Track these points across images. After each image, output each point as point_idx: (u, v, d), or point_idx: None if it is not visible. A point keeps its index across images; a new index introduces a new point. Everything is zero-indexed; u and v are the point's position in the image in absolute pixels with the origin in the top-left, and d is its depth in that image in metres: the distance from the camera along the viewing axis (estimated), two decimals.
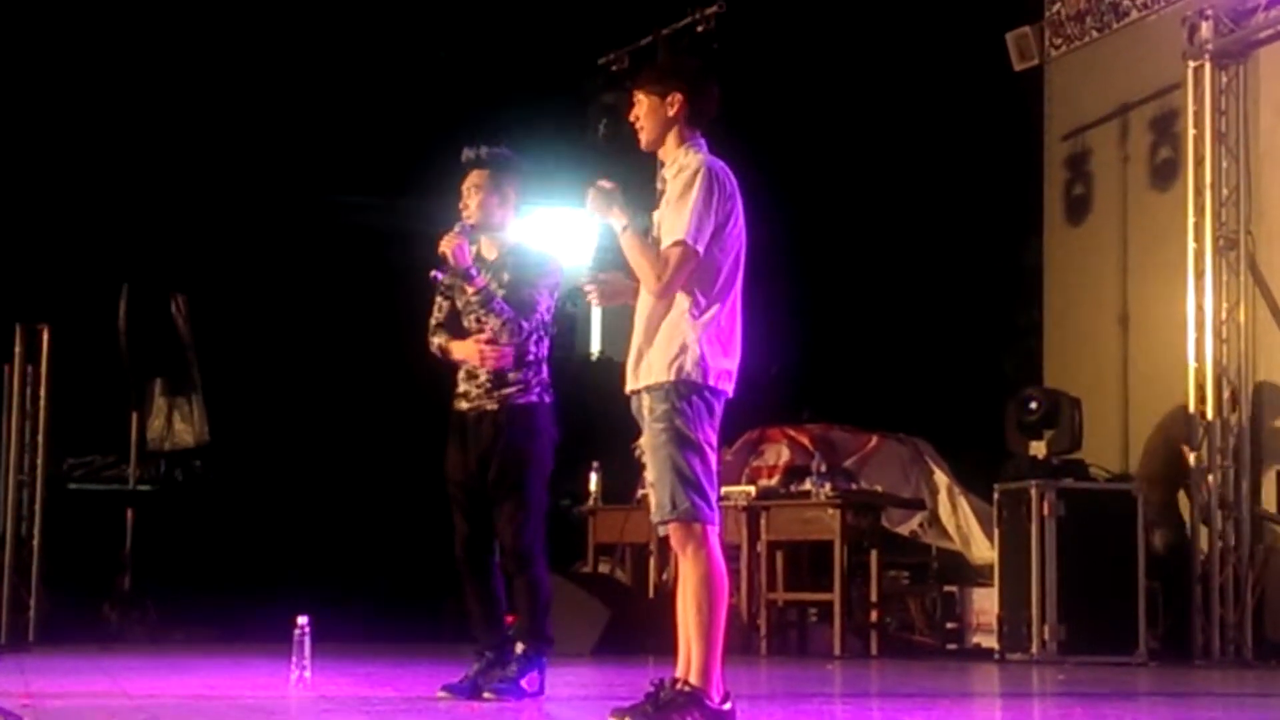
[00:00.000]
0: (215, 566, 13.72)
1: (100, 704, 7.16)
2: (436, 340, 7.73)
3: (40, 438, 12.48)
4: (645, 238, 6.04)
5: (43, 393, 12.43)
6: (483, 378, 7.58)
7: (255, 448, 14.67)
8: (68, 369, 12.72)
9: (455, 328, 7.69)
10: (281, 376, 14.93)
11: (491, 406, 7.56)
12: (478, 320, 7.59)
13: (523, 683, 7.40)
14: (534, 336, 7.59)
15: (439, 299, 7.79)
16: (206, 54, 14.89)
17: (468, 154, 7.68)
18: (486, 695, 7.26)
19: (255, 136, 15.04)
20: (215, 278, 14.57)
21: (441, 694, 7.43)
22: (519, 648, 7.44)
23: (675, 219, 5.95)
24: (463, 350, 7.62)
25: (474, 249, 7.62)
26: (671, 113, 6.11)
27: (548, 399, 7.61)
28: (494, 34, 15.32)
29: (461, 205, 7.67)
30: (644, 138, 6.18)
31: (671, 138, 6.13)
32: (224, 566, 13.74)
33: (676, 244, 5.91)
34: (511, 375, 7.56)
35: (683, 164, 6.07)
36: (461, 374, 7.68)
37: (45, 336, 12.44)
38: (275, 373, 14.90)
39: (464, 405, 7.65)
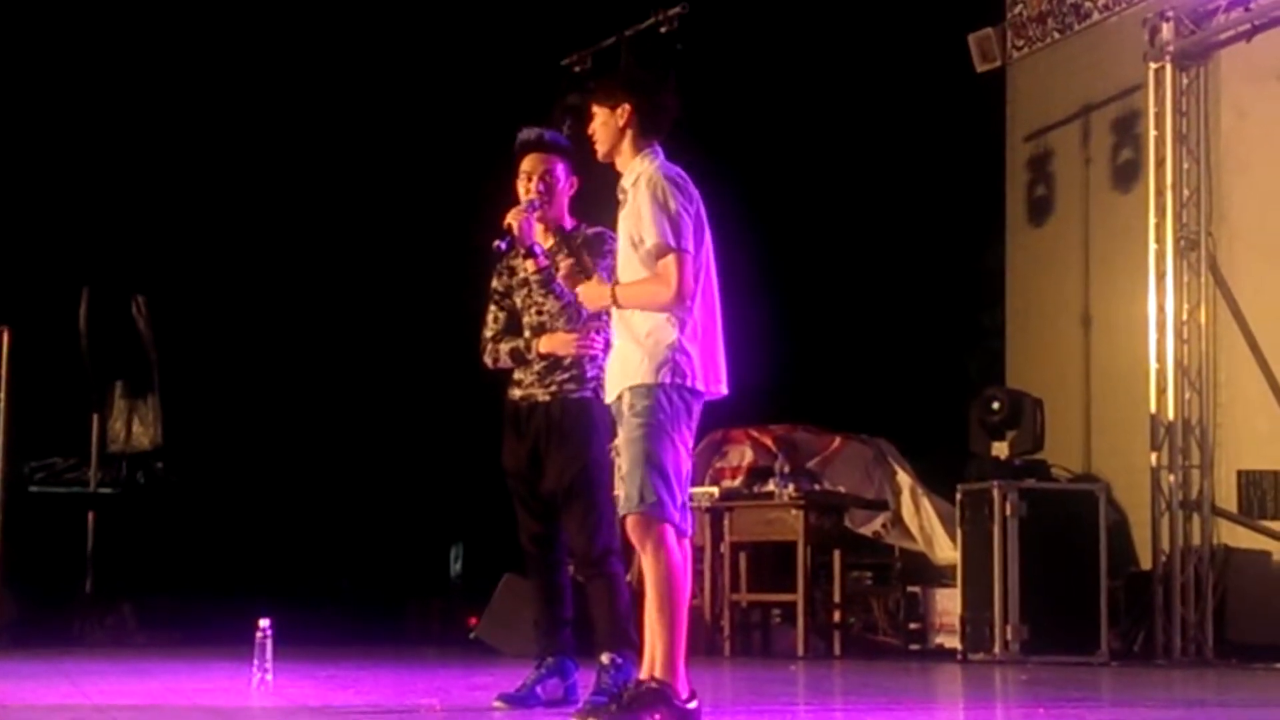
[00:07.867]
0: (177, 569, 13.67)
1: (61, 707, 7.12)
2: (503, 347, 7.25)
3: (1, 440, 12.42)
4: (618, 280, 6.17)
5: (3, 395, 12.36)
6: (537, 365, 7.17)
7: (218, 450, 14.61)
8: (29, 371, 12.66)
9: (516, 332, 7.27)
10: (245, 378, 14.88)
11: (543, 397, 7.16)
12: (534, 302, 7.17)
13: (538, 689, 7.12)
14: (591, 324, 7.08)
15: (493, 309, 7.35)
16: (165, 56, 14.84)
17: (525, 136, 7.23)
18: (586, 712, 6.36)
19: (214, 139, 14.99)
20: (176, 280, 14.51)
21: (498, 703, 7.01)
22: (605, 658, 6.91)
23: (652, 228, 5.97)
24: (552, 343, 7.14)
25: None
26: (620, 124, 6.16)
27: (602, 393, 6.67)
28: (455, 35, 15.29)
29: (523, 189, 7.17)
30: (599, 149, 6.27)
31: (627, 149, 6.18)
32: (186, 569, 13.69)
33: (666, 252, 5.95)
34: (565, 363, 7.14)
35: (639, 172, 6.12)
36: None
37: (5, 338, 12.38)
38: (238, 374, 14.85)
39: (516, 394, 7.25)
